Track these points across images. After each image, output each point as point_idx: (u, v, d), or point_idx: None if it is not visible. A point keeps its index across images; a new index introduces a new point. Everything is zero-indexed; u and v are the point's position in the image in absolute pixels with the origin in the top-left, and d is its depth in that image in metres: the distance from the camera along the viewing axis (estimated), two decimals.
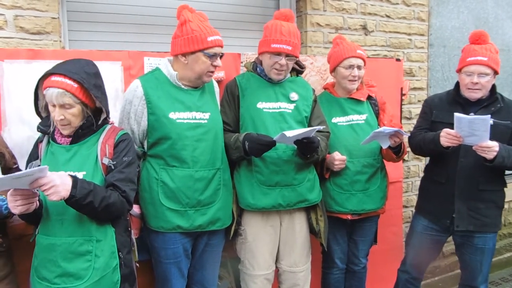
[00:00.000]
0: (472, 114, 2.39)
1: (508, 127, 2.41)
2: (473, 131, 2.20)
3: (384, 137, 2.41)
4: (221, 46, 2.11)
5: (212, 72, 2.12)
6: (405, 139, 2.58)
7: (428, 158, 2.76)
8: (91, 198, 1.66)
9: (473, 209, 2.46)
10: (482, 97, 2.46)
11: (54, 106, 1.75)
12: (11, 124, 2.10)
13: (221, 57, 2.12)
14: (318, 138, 2.24)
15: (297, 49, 2.28)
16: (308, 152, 2.21)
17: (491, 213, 2.48)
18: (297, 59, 2.36)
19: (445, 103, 2.59)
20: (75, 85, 1.73)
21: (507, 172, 2.56)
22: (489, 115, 2.16)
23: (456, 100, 2.54)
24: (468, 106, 2.49)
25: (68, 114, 1.75)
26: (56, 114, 1.74)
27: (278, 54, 2.24)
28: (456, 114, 2.21)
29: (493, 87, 2.50)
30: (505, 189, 2.56)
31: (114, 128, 1.92)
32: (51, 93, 1.72)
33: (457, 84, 2.57)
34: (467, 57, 2.43)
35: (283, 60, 2.24)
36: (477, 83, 2.38)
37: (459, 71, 2.51)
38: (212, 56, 2.06)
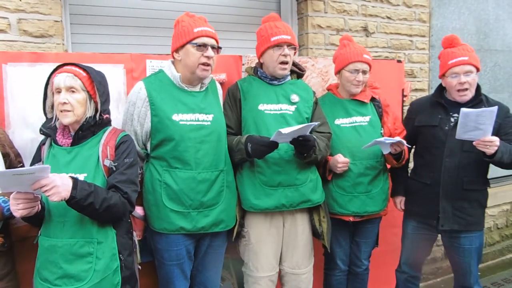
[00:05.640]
0: (456, 115, 2.42)
1: None
2: (478, 125, 2.20)
3: (385, 144, 2.42)
4: (211, 37, 2.08)
5: (205, 64, 2.07)
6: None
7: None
8: (92, 199, 1.66)
9: (458, 209, 2.49)
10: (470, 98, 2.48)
11: (59, 92, 1.77)
12: (14, 126, 2.12)
13: (218, 50, 2.11)
14: (315, 137, 2.24)
15: (294, 39, 2.32)
16: (304, 150, 2.21)
17: (475, 212, 2.51)
18: (297, 47, 2.36)
19: (427, 105, 2.63)
20: (84, 74, 1.80)
21: (507, 173, 2.56)
22: (496, 106, 2.17)
23: (438, 102, 2.56)
24: (451, 107, 2.51)
25: (72, 98, 1.77)
26: (61, 97, 1.76)
27: (280, 45, 2.25)
28: (463, 109, 2.20)
29: (478, 88, 2.52)
30: (507, 189, 2.56)
31: (115, 130, 1.93)
32: (59, 78, 1.77)
33: (438, 88, 2.61)
34: (448, 61, 2.47)
35: (286, 50, 2.26)
36: (465, 82, 2.41)
37: (442, 76, 2.54)
38: (201, 46, 2.04)
